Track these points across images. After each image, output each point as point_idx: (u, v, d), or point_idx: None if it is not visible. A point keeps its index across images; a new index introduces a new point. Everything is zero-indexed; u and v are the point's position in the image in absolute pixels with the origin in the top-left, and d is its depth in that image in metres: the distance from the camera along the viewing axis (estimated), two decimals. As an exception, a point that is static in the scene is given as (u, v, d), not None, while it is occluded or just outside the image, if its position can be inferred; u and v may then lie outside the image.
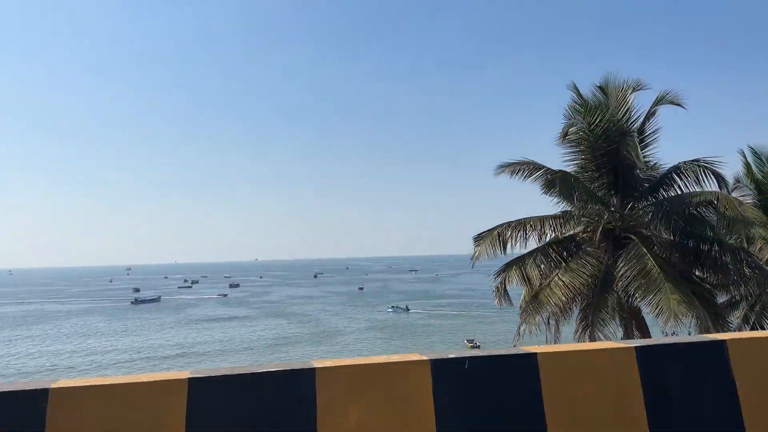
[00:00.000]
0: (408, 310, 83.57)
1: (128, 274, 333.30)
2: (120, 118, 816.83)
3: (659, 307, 11.78)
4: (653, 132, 14.22)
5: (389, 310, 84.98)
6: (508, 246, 13.95)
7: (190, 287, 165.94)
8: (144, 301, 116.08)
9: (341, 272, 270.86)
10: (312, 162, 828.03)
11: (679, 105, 13.91)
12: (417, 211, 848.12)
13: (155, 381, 3.06)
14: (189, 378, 3.13)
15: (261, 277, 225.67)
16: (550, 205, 14.45)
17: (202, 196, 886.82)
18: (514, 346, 6.84)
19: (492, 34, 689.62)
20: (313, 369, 3.21)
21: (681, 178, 13.77)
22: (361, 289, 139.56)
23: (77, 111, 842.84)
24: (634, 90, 14.10)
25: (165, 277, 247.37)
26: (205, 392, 3.05)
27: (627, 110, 13.82)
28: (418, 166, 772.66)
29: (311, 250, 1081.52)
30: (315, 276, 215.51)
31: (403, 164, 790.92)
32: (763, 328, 15.11)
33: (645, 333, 13.52)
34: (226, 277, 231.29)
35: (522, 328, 13.62)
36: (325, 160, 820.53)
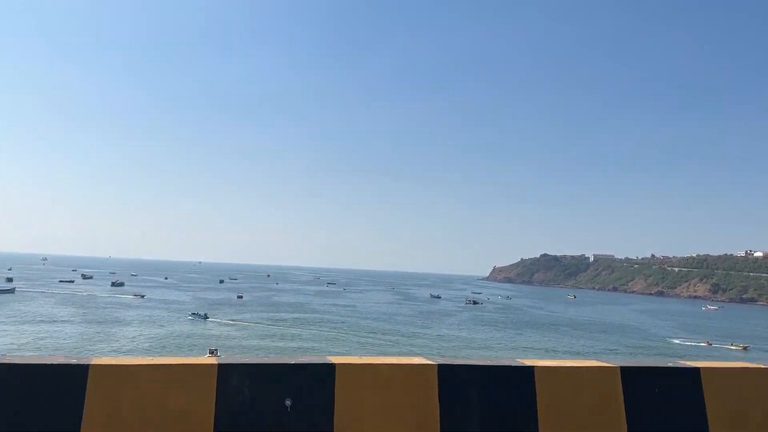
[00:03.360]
0: (206, 318, 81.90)
1: (43, 264, 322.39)
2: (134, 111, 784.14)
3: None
4: None
5: (189, 317, 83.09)
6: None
7: (72, 282, 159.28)
8: None
9: (258, 279, 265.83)
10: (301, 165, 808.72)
11: None
12: (405, 229, 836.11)
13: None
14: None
15: (166, 278, 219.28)
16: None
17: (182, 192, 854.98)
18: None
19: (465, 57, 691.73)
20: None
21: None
22: (240, 297, 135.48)
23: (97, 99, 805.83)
24: None
25: (73, 270, 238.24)
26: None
27: None
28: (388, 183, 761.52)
29: (274, 255, 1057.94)
30: (221, 281, 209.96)
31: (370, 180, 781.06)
32: None
33: None
34: (111, 273, 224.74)
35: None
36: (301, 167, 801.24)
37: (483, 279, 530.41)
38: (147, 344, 57.35)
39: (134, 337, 61.70)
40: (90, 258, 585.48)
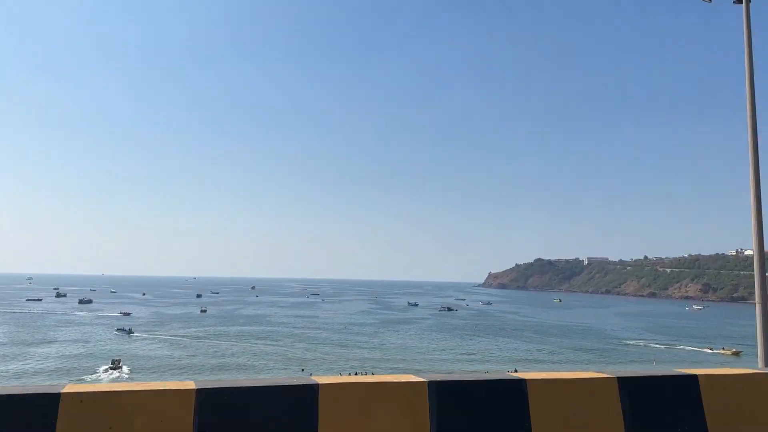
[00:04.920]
0: (130, 332, 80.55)
1: (29, 283, 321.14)
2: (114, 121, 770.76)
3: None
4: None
5: (115, 332, 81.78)
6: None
7: (40, 300, 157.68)
8: None
9: (242, 292, 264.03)
10: (302, 178, 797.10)
11: None
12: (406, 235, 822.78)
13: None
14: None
15: (144, 294, 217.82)
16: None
17: (186, 208, 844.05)
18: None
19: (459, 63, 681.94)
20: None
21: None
22: (204, 311, 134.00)
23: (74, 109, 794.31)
24: None
25: (55, 288, 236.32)
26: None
27: None
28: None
29: (273, 269, 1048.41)
30: (198, 296, 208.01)
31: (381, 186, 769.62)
32: None
33: None
34: (91, 290, 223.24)
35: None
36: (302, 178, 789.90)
37: (478, 285, 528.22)
38: (47, 365, 55.67)
39: (44, 357, 60.12)
40: (83, 276, 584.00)
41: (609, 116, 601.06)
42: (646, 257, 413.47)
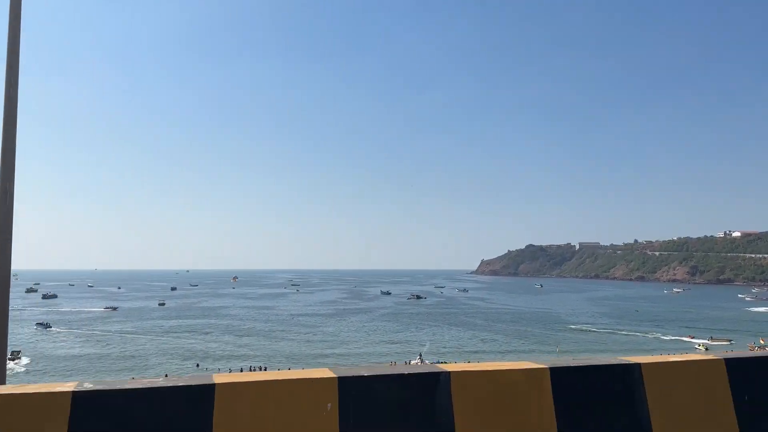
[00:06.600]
0: (47, 327, 79.90)
1: (16, 279, 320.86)
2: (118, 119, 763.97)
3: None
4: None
5: (34, 327, 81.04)
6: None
7: None
8: None
9: (222, 284, 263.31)
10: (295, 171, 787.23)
11: None
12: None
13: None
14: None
15: (119, 288, 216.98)
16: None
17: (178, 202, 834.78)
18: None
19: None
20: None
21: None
22: (162, 304, 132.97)
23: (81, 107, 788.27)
24: None
25: (36, 284, 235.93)
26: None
27: None
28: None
29: (273, 260, 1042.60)
30: (173, 289, 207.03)
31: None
32: None
33: None
34: (70, 285, 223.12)
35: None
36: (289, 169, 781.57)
37: (471, 273, 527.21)
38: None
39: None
40: (74, 271, 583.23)
41: (599, 104, 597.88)
42: (636, 241, 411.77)
